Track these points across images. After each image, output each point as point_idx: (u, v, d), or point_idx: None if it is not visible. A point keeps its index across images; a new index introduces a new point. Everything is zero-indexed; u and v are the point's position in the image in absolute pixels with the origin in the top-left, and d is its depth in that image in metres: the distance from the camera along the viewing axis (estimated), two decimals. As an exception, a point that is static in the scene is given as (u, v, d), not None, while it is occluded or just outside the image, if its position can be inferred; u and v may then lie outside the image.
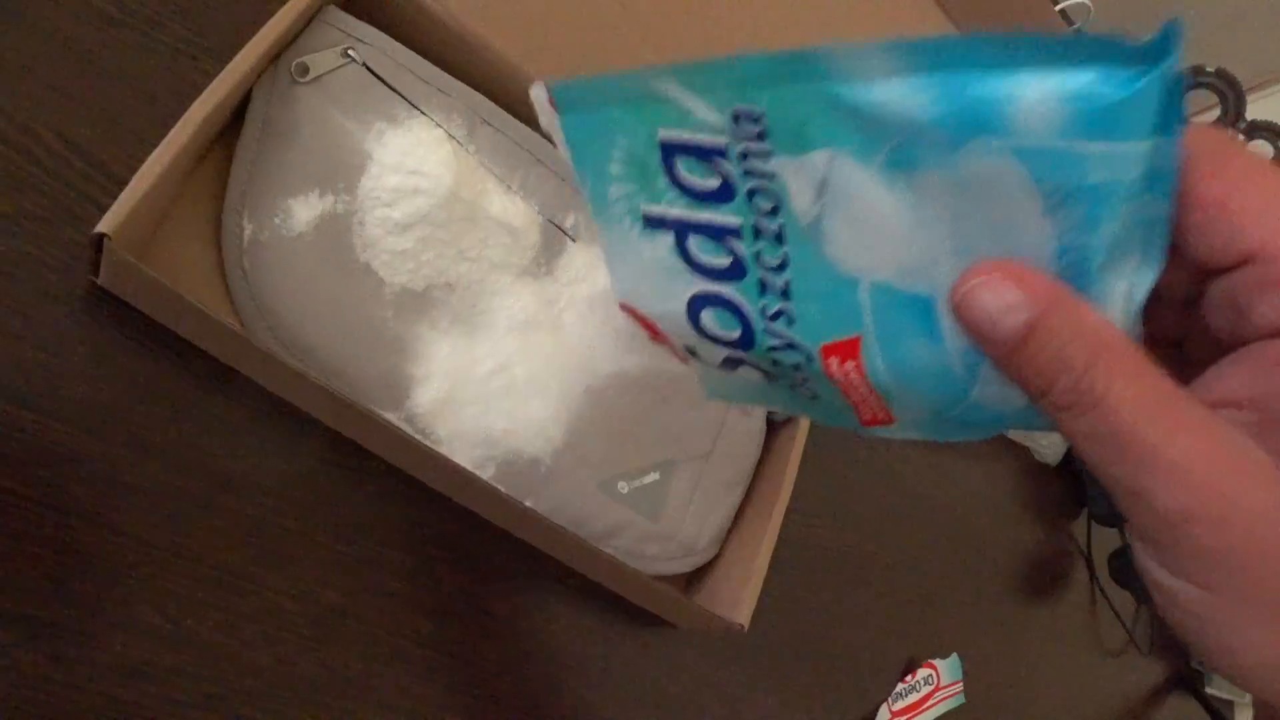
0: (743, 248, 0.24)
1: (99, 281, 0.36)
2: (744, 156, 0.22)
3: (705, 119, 0.22)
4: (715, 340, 0.27)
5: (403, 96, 0.41)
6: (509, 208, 0.43)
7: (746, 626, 0.44)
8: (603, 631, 0.48)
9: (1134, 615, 0.86)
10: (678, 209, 0.24)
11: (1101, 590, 0.84)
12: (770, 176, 0.22)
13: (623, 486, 0.47)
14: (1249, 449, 0.19)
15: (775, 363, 0.26)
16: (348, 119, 0.40)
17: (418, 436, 0.39)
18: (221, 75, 0.36)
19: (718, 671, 0.53)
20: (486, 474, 0.42)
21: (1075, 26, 0.95)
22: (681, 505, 0.48)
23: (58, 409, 0.35)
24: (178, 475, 0.37)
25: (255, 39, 0.38)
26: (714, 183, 0.23)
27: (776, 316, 0.25)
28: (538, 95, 0.25)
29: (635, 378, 0.47)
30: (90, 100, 0.39)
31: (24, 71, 0.38)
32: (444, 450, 0.40)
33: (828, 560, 0.60)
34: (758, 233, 0.23)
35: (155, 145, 0.34)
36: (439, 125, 0.42)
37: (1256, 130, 1.27)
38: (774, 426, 0.53)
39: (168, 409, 0.37)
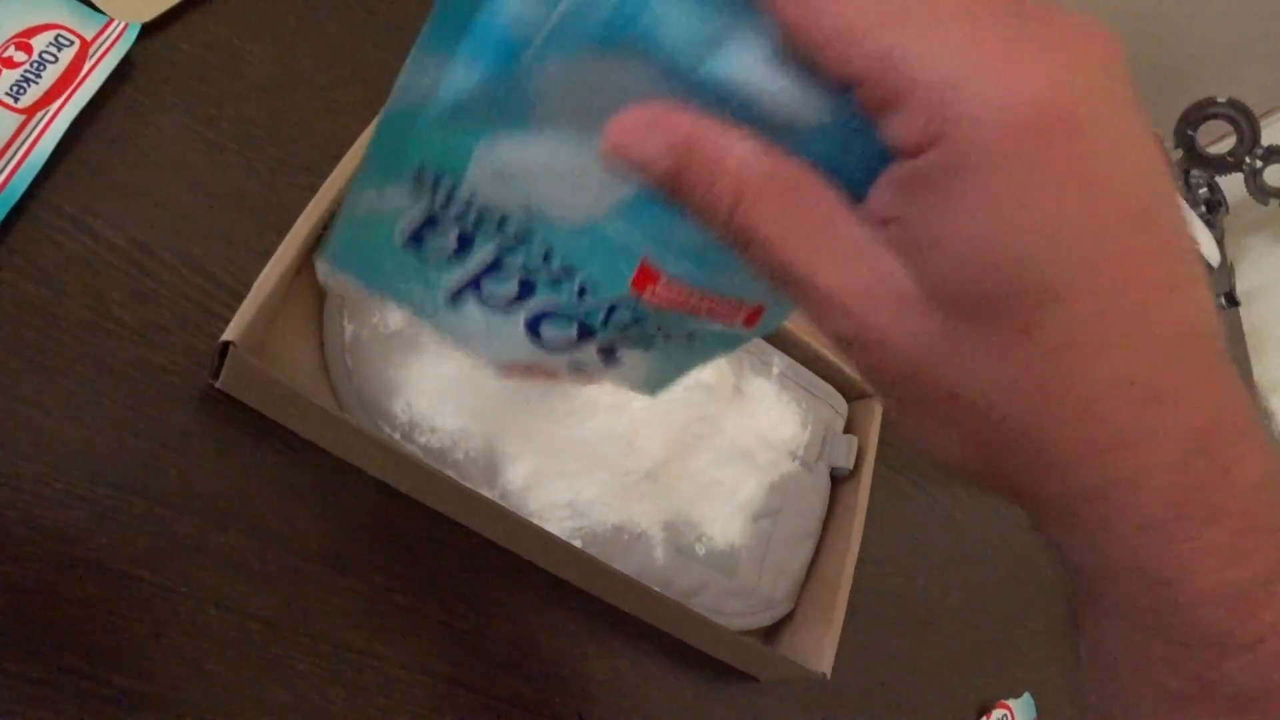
0: (514, 266, 0.26)
1: (217, 384, 0.39)
2: (446, 204, 0.24)
3: (406, 199, 0.24)
4: (570, 347, 0.29)
5: (480, 196, 0.45)
6: (581, 290, 0.46)
7: (829, 674, 0.46)
8: (692, 688, 0.49)
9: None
10: (455, 275, 0.26)
11: (1165, 622, 0.84)
12: (471, 200, 0.24)
13: (699, 548, 0.49)
14: (894, 276, 0.18)
15: (623, 329, 0.28)
16: (433, 220, 0.44)
17: (514, 511, 0.41)
18: (320, 192, 0.40)
19: (799, 722, 0.54)
20: (575, 543, 0.44)
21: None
22: (756, 562, 0.50)
23: (186, 502, 0.38)
24: (298, 559, 0.39)
25: (348, 155, 0.41)
26: (453, 237, 0.25)
27: (582, 294, 0.26)
28: (324, 272, 0.27)
29: (705, 447, 0.49)
30: (199, 217, 0.43)
31: (140, 195, 0.42)
32: (535, 523, 0.43)
33: (899, 606, 0.62)
34: (512, 247, 0.25)
35: (259, 254, 0.38)
36: (514, 219, 0.45)
37: (1273, 155, 1.29)
38: (838, 481, 0.55)
39: (284, 498, 0.40)
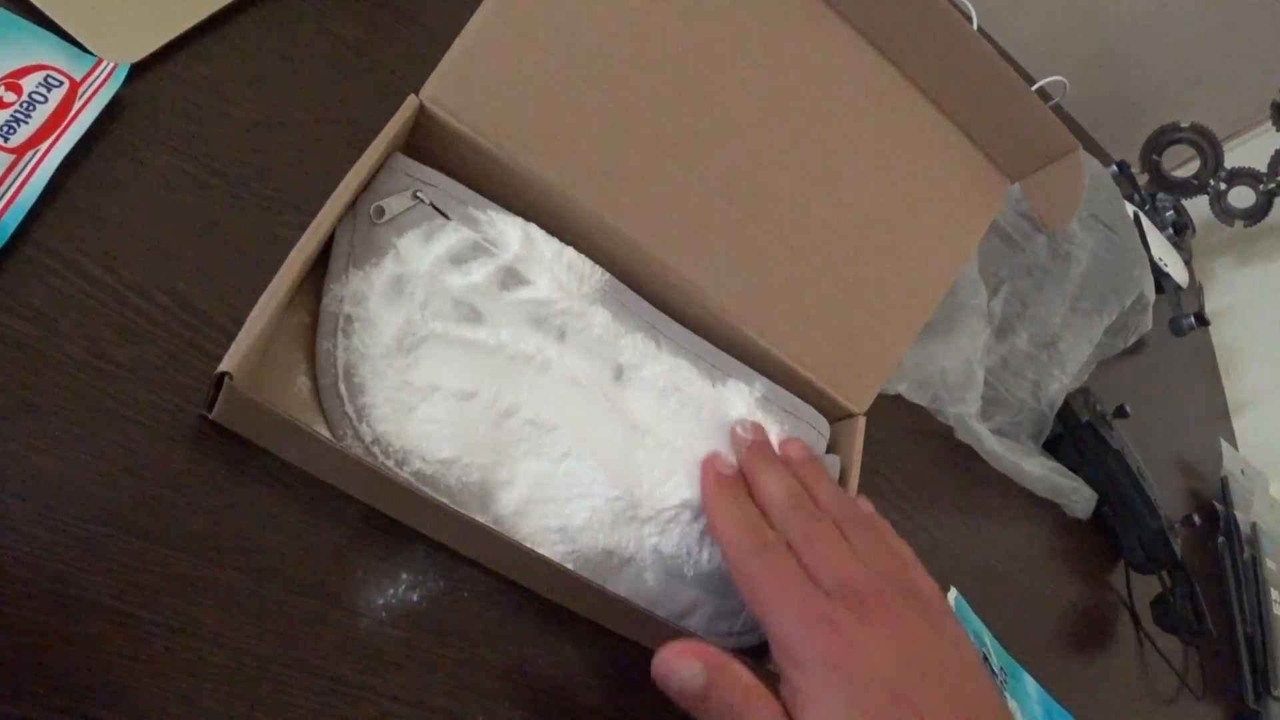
0: None
1: (211, 416, 0.40)
2: None
3: None
4: None
5: (468, 230, 0.46)
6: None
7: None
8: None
9: (1183, 659, 0.87)
10: None
11: (1148, 637, 0.85)
12: None
13: (688, 570, 0.49)
14: None
15: None
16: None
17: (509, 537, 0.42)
18: (314, 224, 0.40)
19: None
20: (567, 566, 0.44)
21: (1052, 103, 1.01)
22: (746, 584, 0.50)
23: (180, 539, 0.38)
24: (292, 593, 0.40)
25: (339, 190, 0.42)
26: None
27: None
28: None
29: (694, 474, 0.50)
30: (188, 256, 0.43)
31: (130, 234, 0.42)
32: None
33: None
34: None
35: (249, 292, 0.38)
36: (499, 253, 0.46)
37: (1236, 177, 1.32)
38: (824, 502, 0.56)
39: (278, 532, 0.40)
